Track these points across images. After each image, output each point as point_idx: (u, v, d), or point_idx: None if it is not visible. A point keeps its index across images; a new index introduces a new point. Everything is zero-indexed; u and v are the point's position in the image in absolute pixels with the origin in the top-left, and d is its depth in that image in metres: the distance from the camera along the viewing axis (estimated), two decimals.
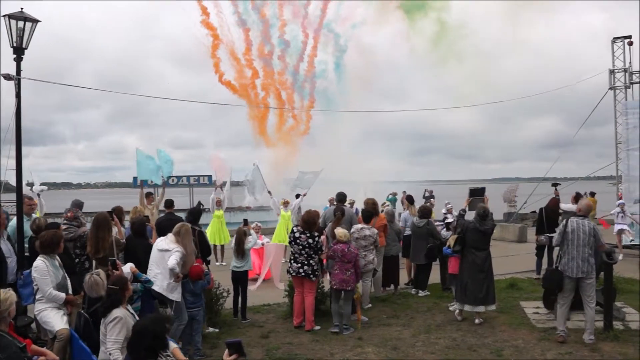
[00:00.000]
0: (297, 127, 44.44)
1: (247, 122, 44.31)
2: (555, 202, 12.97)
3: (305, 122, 44.38)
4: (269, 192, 16.66)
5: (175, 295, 7.16)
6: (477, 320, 8.89)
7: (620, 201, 16.91)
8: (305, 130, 44.43)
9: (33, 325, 7.09)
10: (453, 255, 9.82)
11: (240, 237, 9.62)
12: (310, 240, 8.86)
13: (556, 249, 8.59)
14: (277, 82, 43.15)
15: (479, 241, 9.04)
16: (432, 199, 21.55)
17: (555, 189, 15.10)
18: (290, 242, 9.24)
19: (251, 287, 11.99)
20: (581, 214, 8.15)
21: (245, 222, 10.45)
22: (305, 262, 8.82)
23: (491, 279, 9.08)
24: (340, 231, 8.95)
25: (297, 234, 9.01)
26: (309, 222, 9.01)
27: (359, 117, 39.10)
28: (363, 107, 45.83)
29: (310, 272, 8.80)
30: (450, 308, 9.84)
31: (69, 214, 8.46)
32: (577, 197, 12.94)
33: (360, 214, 10.72)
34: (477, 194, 10.00)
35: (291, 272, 8.99)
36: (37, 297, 6.35)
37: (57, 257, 6.57)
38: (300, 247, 8.87)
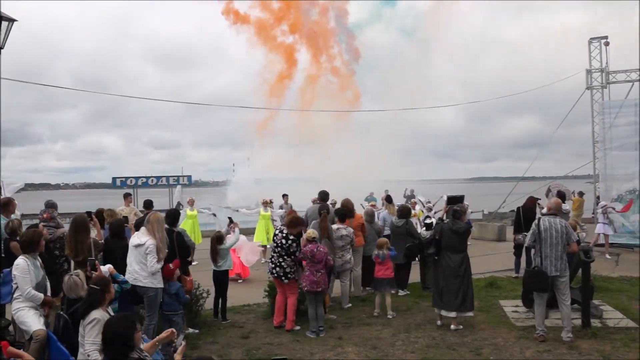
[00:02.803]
0: (343, 87, 32.85)
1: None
2: (532, 201, 13.09)
3: (348, 79, 32.90)
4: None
5: (158, 282, 7.27)
6: (452, 327, 8.58)
7: (602, 203, 17.03)
8: (357, 97, 33.66)
9: (11, 328, 7.01)
10: (377, 257, 9.71)
11: (213, 244, 9.53)
12: (284, 241, 8.74)
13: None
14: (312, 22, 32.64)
15: (453, 243, 8.69)
16: (413, 198, 21.64)
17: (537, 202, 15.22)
18: (273, 240, 9.22)
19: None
20: (551, 213, 8.22)
21: (231, 220, 10.52)
22: (277, 263, 8.73)
23: (468, 284, 8.68)
24: (308, 230, 8.95)
25: (276, 232, 9.02)
26: (291, 223, 8.93)
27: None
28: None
29: (282, 274, 8.67)
30: (374, 313, 9.63)
31: (45, 215, 8.38)
32: (559, 196, 13.02)
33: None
34: (455, 201, 9.89)
35: (271, 271, 8.96)
36: (14, 295, 6.30)
37: (39, 257, 6.51)
38: (274, 244, 8.85)
